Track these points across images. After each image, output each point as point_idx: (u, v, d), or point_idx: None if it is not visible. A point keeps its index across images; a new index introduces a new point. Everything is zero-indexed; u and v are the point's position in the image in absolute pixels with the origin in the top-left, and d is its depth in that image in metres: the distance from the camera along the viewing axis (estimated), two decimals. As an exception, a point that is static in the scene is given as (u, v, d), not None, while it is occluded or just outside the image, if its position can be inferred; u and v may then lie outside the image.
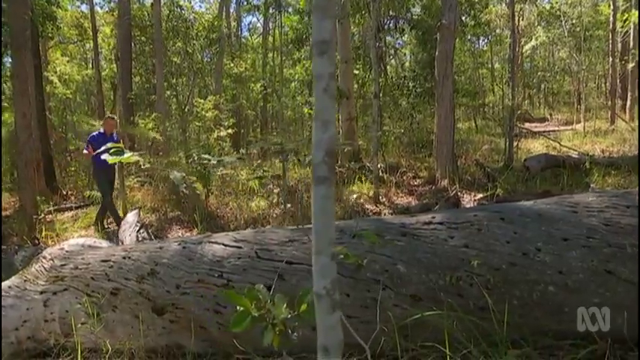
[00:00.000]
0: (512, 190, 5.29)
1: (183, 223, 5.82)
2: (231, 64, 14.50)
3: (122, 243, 4.16)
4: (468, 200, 5.46)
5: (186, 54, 12.26)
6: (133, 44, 11.93)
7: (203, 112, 7.66)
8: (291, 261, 2.01)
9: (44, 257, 2.74)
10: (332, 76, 0.57)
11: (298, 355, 2.00)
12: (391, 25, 8.89)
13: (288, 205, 6.08)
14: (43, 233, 5.10)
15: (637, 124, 9.00)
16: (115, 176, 5.87)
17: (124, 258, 2.38)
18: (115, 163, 5.56)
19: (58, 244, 4.16)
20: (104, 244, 3.34)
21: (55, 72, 12.09)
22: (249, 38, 20.39)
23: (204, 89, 14.07)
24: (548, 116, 17.67)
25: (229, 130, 8.19)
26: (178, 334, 2.18)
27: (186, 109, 13.12)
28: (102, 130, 5.66)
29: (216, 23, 12.41)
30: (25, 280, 2.57)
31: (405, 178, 7.65)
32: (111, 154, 1.16)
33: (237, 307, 2.04)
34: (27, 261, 2.97)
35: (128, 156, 1.16)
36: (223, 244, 2.22)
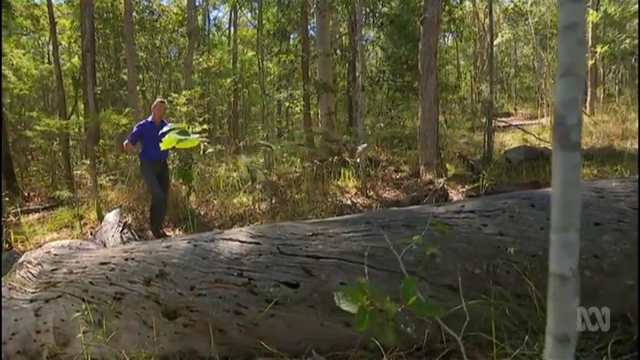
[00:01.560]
0: (497, 181, 5.37)
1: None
2: (200, 59, 14.07)
3: (104, 244, 3.89)
4: (456, 192, 5.51)
5: (154, 48, 11.77)
6: (96, 37, 11.31)
7: (177, 107, 7.35)
8: (317, 255, 1.90)
9: (29, 262, 2.50)
10: (584, 25, 0.47)
11: (327, 353, 1.90)
12: (368, 20, 8.86)
13: (274, 201, 5.94)
14: (12, 237, 4.71)
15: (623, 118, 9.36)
16: (168, 172, 5.20)
17: (127, 260, 2.18)
18: (166, 158, 4.99)
19: (34, 248, 3.84)
20: (92, 245, 3.10)
21: (12, 65, 11.29)
22: (216, 33, 19.87)
23: (173, 84, 13.58)
24: (513, 111, 18.29)
25: (204, 126, 7.91)
26: (192, 339, 2.02)
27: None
28: (149, 119, 4.92)
29: (185, 16, 11.97)
30: (10, 289, 2.33)
31: (386, 171, 7.66)
32: (170, 140, 1.00)
33: (259, 309, 1.91)
34: (7, 267, 2.69)
35: (192, 139, 1.01)
36: (239, 241, 2.08)
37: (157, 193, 4.83)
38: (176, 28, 11.97)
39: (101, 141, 9.60)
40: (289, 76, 9.01)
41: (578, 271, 0.49)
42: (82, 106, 12.12)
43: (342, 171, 6.89)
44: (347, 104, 10.91)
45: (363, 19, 8.70)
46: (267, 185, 6.28)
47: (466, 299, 1.78)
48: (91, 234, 4.63)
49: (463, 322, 1.80)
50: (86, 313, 2.10)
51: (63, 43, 14.93)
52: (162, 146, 1.06)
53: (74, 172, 8.21)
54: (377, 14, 8.35)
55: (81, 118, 11.36)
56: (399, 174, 7.53)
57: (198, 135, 1.07)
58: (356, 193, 5.92)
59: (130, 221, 4.36)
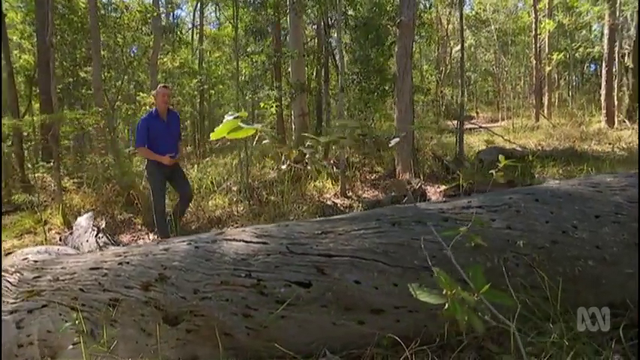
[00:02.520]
0: (472, 181, 5.52)
1: (136, 226, 5.32)
2: (165, 59, 13.64)
3: (79, 250, 3.66)
4: (433, 192, 5.62)
5: (117, 46, 11.29)
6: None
7: (147, 108, 7.06)
8: (329, 254, 1.86)
9: (5, 271, 2.30)
10: None
11: (340, 352, 1.86)
12: (335, 22, 8.90)
13: (251, 202, 5.83)
14: (-30, 245, 4.34)
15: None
16: (182, 171, 4.48)
17: (121, 264, 2.06)
18: (178, 155, 4.21)
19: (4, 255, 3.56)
20: (70, 251, 2.91)
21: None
22: (179, 33, 19.34)
23: (137, 85, 13.09)
24: (475, 114, 19.00)
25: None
26: (196, 345, 1.92)
27: (115, 106, 12.09)
28: (153, 111, 4.18)
29: (149, 15, 11.57)
30: (-15, 299, 2.13)
31: (361, 172, 7.71)
32: (222, 129, 0.92)
33: (269, 310, 1.85)
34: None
35: (248, 128, 0.94)
36: (244, 241, 2.01)
37: (159, 202, 4.19)
38: (140, 26, 11.51)
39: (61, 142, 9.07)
40: (262, 76, 8.91)
41: None
42: (38, 105, 11.42)
43: (317, 171, 6.87)
44: (315, 106, 10.92)
45: (335, 22, 8.74)
46: (244, 186, 6.16)
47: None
48: (60, 239, 4.35)
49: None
50: (77, 322, 1.96)
51: (14, 38, 14.02)
52: (213, 136, 0.98)
53: (33, 174, 7.70)
54: (348, 17, 8.41)
55: (36, 117, 10.70)
56: (374, 174, 7.61)
57: (255, 126, 1.00)
58: (335, 194, 5.91)
59: (104, 225, 4.13)
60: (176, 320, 1.92)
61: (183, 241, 2.10)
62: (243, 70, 9.31)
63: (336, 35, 5.41)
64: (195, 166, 7.27)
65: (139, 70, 14.09)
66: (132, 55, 13.64)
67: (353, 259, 1.84)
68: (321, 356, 1.82)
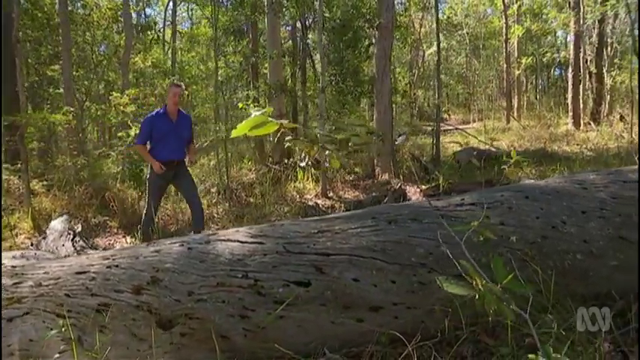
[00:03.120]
0: (452, 181, 5.64)
1: (112, 229, 5.15)
2: (136, 58, 13.28)
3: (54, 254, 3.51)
4: (413, 192, 5.70)
5: (86, 44, 10.91)
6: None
7: (121, 108, 6.86)
8: (327, 252, 1.86)
9: (-20, 277, 2.17)
10: None
11: (338, 351, 1.85)
12: (315, 24, 8.93)
13: (230, 204, 5.75)
14: None
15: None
16: (189, 176, 4.06)
17: (109, 267, 1.98)
18: (183, 158, 3.92)
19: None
20: (49, 255, 2.79)
21: None
22: (149, 33, 18.89)
23: (109, 85, 12.69)
24: (447, 116, 19.44)
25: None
26: (191, 349, 1.88)
27: (84, 106, 11.68)
28: (161, 110, 3.89)
29: (120, 12, 11.25)
30: (-40, 308, 2.00)
31: (340, 173, 7.74)
32: (244, 125, 0.89)
33: (267, 311, 1.83)
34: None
35: (271, 123, 0.91)
36: (239, 241, 1.98)
37: (149, 207, 3.89)
38: (110, 24, 11.19)
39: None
40: (239, 77, 8.80)
41: None
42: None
43: (296, 173, 6.85)
44: (291, 107, 10.90)
45: (315, 23, 8.75)
46: (223, 188, 6.07)
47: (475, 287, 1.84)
48: (31, 244, 4.16)
49: (472, 310, 1.86)
50: (64, 329, 1.87)
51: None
52: (234, 133, 0.94)
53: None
54: (325, 19, 8.43)
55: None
56: (352, 175, 7.65)
57: (281, 122, 0.98)
58: (316, 195, 5.91)
59: (80, 229, 3.98)
60: (170, 324, 1.86)
61: (175, 243, 2.05)
62: (221, 71, 9.18)
63: (316, 36, 5.40)
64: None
65: (109, 69, 13.68)
66: (102, 53, 13.23)
67: (351, 257, 1.84)
68: (320, 356, 1.81)
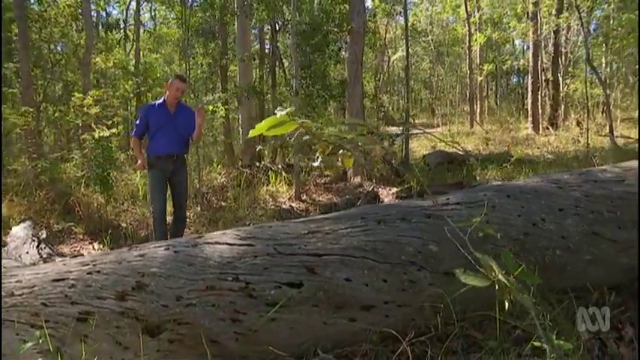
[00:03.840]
0: (423, 183, 5.78)
1: (77, 235, 4.91)
2: (97, 58, 12.77)
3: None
4: (385, 194, 5.80)
5: (42, 42, 10.38)
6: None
7: (85, 109, 6.57)
8: (318, 253, 1.86)
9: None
10: None
11: (330, 352, 1.85)
12: (289, 26, 8.93)
13: (201, 208, 5.63)
14: None
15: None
16: (185, 174, 3.70)
17: (90, 273, 1.89)
18: (182, 152, 3.59)
19: None
20: (14, 263, 2.64)
21: None
22: (113, 32, 18.25)
23: (69, 85, 12.13)
24: (412, 120, 19.89)
25: (114, 130, 7.21)
26: (179, 355, 1.82)
27: (41, 107, 11.10)
28: (161, 100, 3.59)
29: (80, 10, 10.79)
30: None
31: (310, 176, 7.75)
32: (262, 125, 0.86)
33: (259, 314, 1.80)
34: None
35: (289, 123, 0.90)
36: (227, 244, 1.94)
37: (156, 205, 3.53)
38: (70, 22, 10.71)
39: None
40: (207, 79, 8.65)
41: None
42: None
43: (270, 176, 6.81)
44: (259, 111, 10.82)
45: (289, 25, 8.74)
46: (195, 191, 5.94)
47: (461, 284, 1.90)
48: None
49: (460, 306, 1.92)
50: (41, 340, 1.77)
51: None
52: (252, 133, 0.92)
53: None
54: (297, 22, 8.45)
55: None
56: (324, 178, 7.69)
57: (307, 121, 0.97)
58: (290, 198, 5.89)
59: (44, 235, 3.77)
60: (157, 330, 1.80)
61: (160, 247, 1.99)
62: (190, 73, 8.98)
63: (286, 40, 5.39)
64: (138, 171, 6.87)
65: (68, 69, 13.09)
66: (60, 52, 12.64)
67: (343, 257, 1.85)
68: (312, 357, 1.81)
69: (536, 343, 1.16)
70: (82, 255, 3.87)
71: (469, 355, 1.73)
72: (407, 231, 1.94)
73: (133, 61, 15.03)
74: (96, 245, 4.61)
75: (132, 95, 14.19)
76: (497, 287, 1.04)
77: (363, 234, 1.92)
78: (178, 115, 3.59)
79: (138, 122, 3.61)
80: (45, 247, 3.44)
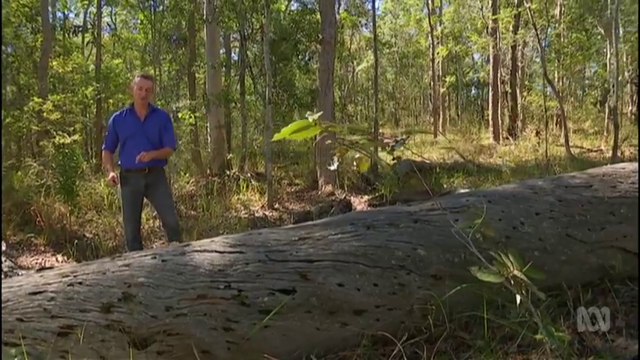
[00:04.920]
0: (397, 190, 5.90)
1: (38, 247, 4.65)
2: (54, 62, 12.22)
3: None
4: (358, 202, 5.87)
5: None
6: None
7: (45, 114, 6.25)
8: (310, 259, 1.87)
9: None
10: None
11: (323, 357, 1.86)
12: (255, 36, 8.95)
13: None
14: None
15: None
16: (164, 187, 3.40)
17: (71, 285, 1.81)
18: (157, 168, 3.24)
19: None
20: (-21, 278, 2.47)
21: None
22: (68, 37, 17.50)
23: (24, 89, 11.51)
24: (374, 132, 20.29)
25: (75, 137, 6.92)
26: (167, 367, 1.77)
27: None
28: (127, 107, 3.32)
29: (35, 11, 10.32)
30: None
31: (280, 185, 7.73)
32: (287, 129, 0.86)
33: (252, 322, 1.78)
34: None
35: (313, 128, 0.90)
36: (217, 251, 1.91)
37: (126, 225, 3.28)
38: (24, 22, 10.20)
39: None
40: (175, 86, 8.47)
41: None
42: None
43: (240, 185, 6.73)
44: (226, 119, 10.72)
45: (250, 35, 8.74)
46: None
47: (448, 286, 1.96)
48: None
49: (447, 308, 1.98)
50: (16, 359, 1.67)
51: None
52: (277, 136, 0.91)
53: None
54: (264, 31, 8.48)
55: None
56: (293, 187, 7.68)
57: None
58: (262, 206, 5.85)
59: (4, 247, 3.55)
60: (145, 343, 1.74)
61: (146, 256, 1.93)
62: (159, 79, 8.78)
63: (254, 48, 5.40)
64: (102, 180, 6.60)
65: (22, 72, 12.44)
66: (11, 54, 12.00)
67: (335, 262, 1.87)
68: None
69: (538, 336, 1.21)
70: (51, 267, 3.65)
71: (459, 355, 1.78)
72: (395, 236, 1.98)
73: (92, 66, 14.50)
74: (60, 257, 4.38)
75: (91, 102, 13.66)
76: (512, 283, 1.09)
77: (353, 239, 1.95)
78: (149, 121, 3.26)
79: (108, 133, 3.35)
80: (6, 260, 3.23)
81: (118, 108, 15.37)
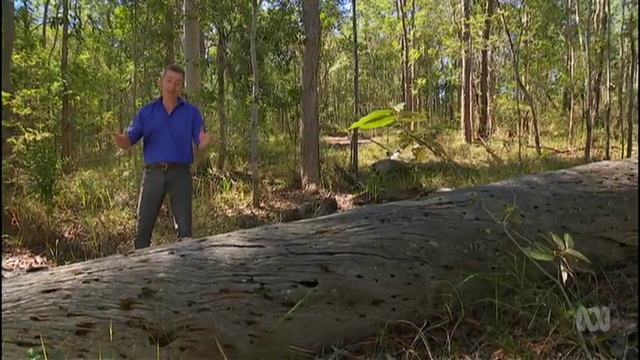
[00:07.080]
0: (378, 189, 6.01)
1: (13, 248, 4.44)
2: (17, 56, 11.62)
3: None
4: (342, 201, 5.94)
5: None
6: None
7: (14, 109, 5.94)
8: (330, 251, 1.90)
9: None
10: None
11: (342, 348, 1.89)
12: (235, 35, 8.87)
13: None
14: None
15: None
16: (188, 186, 3.22)
17: (87, 282, 1.77)
18: (185, 161, 3.11)
19: None
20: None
21: None
22: (28, 30, 16.68)
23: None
24: (348, 132, 20.50)
25: (46, 134, 6.64)
26: (189, 362, 1.75)
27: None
28: (157, 100, 3.20)
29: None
30: None
31: (262, 184, 7.69)
32: (364, 119, 0.88)
33: (275, 314, 1.80)
34: None
35: (388, 118, 0.93)
36: (236, 245, 1.92)
37: (140, 219, 3.19)
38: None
39: None
40: (152, 83, 8.25)
41: None
42: None
43: (223, 184, 6.65)
44: (205, 117, 10.56)
45: (229, 33, 8.66)
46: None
47: (459, 276, 2.05)
48: None
49: (458, 297, 2.06)
50: (34, 359, 1.61)
51: None
52: (353, 125, 0.95)
53: None
54: (244, 29, 8.43)
55: None
56: (274, 186, 7.67)
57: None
58: (248, 205, 5.81)
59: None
60: (167, 339, 1.72)
61: (163, 251, 1.91)
62: (129, 76, 8.52)
63: (252, 46, 5.33)
64: (77, 178, 6.37)
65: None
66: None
67: (354, 254, 1.91)
68: (327, 352, 1.84)
69: (570, 312, 1.31)
70: (45, 267, 3.48)
71: (472, 340, 1.87)
72: (409, 228, 2.05)
73: (58, 61, 13.88)
74: (39, 258, 4.20)
75: (57, 98, 13.08)
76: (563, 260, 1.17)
77: (370, 232, 2.00)
78: (176, 115, 3.13)
79: (133, 124, 3.19)
80: (-11, 262, 3.08)
81: (85, 105, 14.82)
